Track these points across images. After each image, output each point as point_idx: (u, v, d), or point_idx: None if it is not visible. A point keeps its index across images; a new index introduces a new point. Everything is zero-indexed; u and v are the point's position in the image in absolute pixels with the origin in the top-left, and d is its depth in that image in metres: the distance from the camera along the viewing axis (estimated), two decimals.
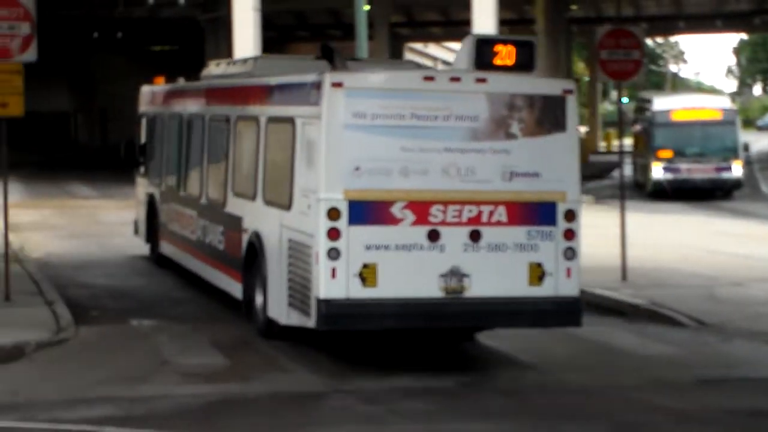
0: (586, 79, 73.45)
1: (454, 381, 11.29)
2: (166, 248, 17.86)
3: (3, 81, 14.34)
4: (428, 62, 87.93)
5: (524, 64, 12.05)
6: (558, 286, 11.65)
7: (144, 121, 19.50)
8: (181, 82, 18.59)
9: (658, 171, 34.83)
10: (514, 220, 11.56)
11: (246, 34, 33.34)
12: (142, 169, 19.41)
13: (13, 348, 11.77)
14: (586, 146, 58.00)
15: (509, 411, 10.34)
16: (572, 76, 54.93)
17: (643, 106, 39.00)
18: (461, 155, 11.48)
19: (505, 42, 12.12)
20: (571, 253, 11.67)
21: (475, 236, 11.47)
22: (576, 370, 12.04)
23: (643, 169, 36.49)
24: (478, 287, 11.47)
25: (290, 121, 12.23)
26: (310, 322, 11.42)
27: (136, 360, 11.93)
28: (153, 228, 18.56)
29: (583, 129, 71.11)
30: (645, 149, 36.26)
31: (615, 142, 67.67)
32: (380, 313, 11.33)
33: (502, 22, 48.91)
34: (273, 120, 12.97)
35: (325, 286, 11.16)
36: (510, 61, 12.00)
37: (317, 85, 11.48)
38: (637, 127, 39.24)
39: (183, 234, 16.76)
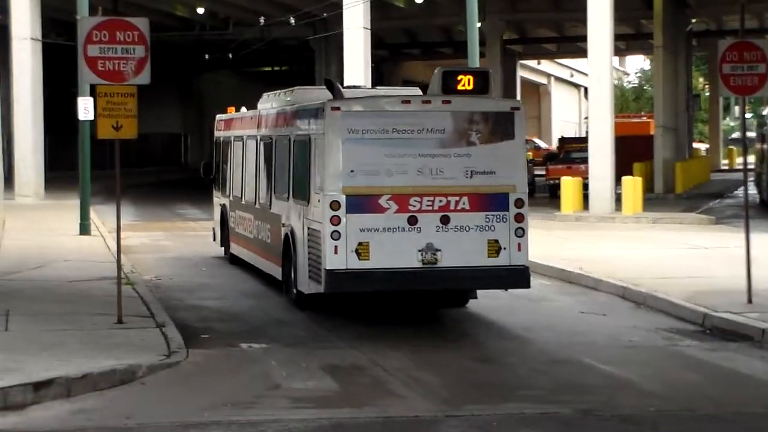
0: (707, 94, 71.55)
1: (570, 407, 10.84)
2: (234, 248, 20.96)
3: (117, 104, 14.31)
4: (542, 79, 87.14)
5: (480, 88, 15.16)
6: (511, 257, 14.69)
7: (217, 143, 22.73)
8: (243, 110, 21.74)
9: None
10: (475, 207, 14.66)
11: (356, 52, 33.23)
12: (216, 184, 22.67)
13: (126, 372, 11.69)
14: (708, 164, 56.13)
15: None
16: (691, 91, 53.16)
17: None
18: (432, 159, 14.65)
19: (465, 72, 15.33)
20: (521, 232, 14.74)
21: (444, 220, 14.59)
22: (703, 396, 11.50)
23: None
24: (448, 259, 14.58)
25: (307, 137, 15.60)
26: (321, 288, 14.64)
27: (246, 384, 11.78)
28: (225, 232, 21.76)
29: (703, 147, 69.06)
30: None
31: (738, 159, 65.71)
32: (372, 280, 14.49)
33: (619, 37, 48.06)
34: (297, 137, 16.29)
35: (329, 259, 14.39)
36: (470, 87, 15.14)
37: (322, 110, 14.87)
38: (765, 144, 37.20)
39: (244, 234, 20.02)
